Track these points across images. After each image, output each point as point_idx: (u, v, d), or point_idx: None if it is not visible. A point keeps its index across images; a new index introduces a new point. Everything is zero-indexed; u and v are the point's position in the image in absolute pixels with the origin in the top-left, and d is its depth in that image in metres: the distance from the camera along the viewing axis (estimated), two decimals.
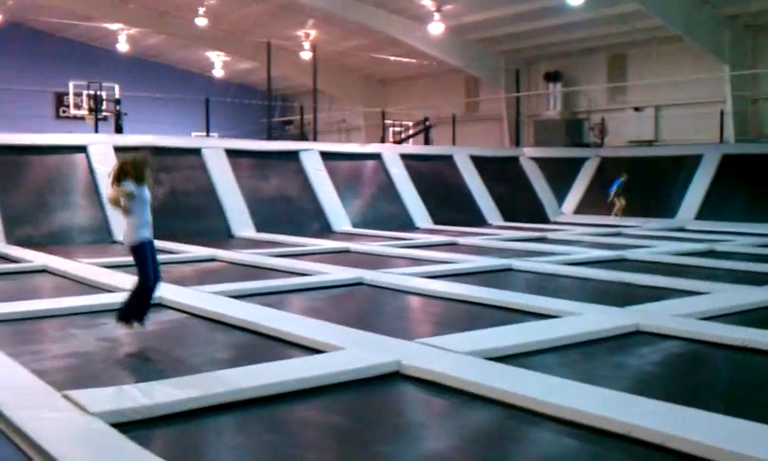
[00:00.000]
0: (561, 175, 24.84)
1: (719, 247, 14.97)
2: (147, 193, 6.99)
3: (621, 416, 4.64)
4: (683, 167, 22.37)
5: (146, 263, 6.90)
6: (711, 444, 4.18)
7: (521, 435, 4.78)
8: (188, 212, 17.78)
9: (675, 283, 10.07)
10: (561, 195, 24.65)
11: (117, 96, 23.46)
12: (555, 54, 28.56)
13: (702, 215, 20.97)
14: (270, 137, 23.97)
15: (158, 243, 14.98)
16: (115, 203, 6.94)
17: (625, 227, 19.88)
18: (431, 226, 20.71)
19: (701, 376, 6.34)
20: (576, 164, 25.14)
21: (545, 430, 4.77)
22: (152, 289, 7.06)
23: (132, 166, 6.98)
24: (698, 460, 4.16)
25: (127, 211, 6.95)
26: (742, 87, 23.50)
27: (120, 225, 16.63)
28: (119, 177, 6.91)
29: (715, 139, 23.50)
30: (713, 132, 23.70)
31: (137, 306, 7.01)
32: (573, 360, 6.53)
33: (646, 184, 20.94)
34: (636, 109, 26.46)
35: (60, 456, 4.04)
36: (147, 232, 6.98)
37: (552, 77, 28.52)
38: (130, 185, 6.90)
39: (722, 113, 23.38)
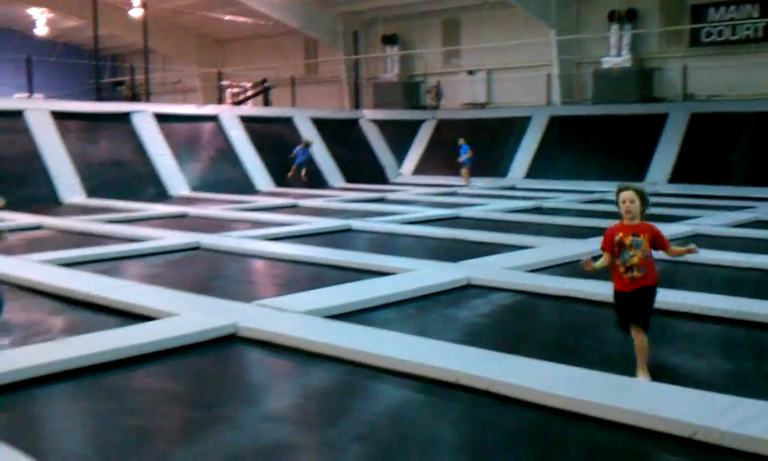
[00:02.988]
0: (399, 137, 25.30)
1: (546, 204, 15.78)
2: None
3: (451, 365, 4.85)
4: (513, 129, 23.35)
5: None
6: (533, 387, 4.45)
7: (360, 390, 4.88)
8: (10, 179, 16.70)
9: (505, 239, 10.55)
10: (400, 156, 25.13)
11: None
12: (392, 17, 28.88)
13: (531, 174, 22.02)
14: (99, 99, 22.90)
15: None
16: None
17: (459, 186, 20.55)
18: (272, 188, 20.56)
19: (527, 325, 6.69)
20: (414, 126, 25.68)
21: (383, 383, 4.90)
22: None
23: None
24: (521, 403, 4.42)
25: None
26: (568, 52, 24.74)
27: None
28: None
29: (543, 102, 24.66)
30: (541, 95, 24.85)
31: None
32: (409, 315, 6.72)
33: (480, 146, 21.70)
34: (470, 73, 27.27)
35: None
36: None
37: (389, 40, 28.85)
38: None
39: (549, 77, 24.53)
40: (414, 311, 6.84)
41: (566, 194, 18.06)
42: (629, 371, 4.81)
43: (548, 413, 4.30)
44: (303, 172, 20.68)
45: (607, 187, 19.04)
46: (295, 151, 20.86)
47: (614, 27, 23.59)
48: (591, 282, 6.91)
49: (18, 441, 3.83)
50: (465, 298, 7.27)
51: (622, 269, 4.80)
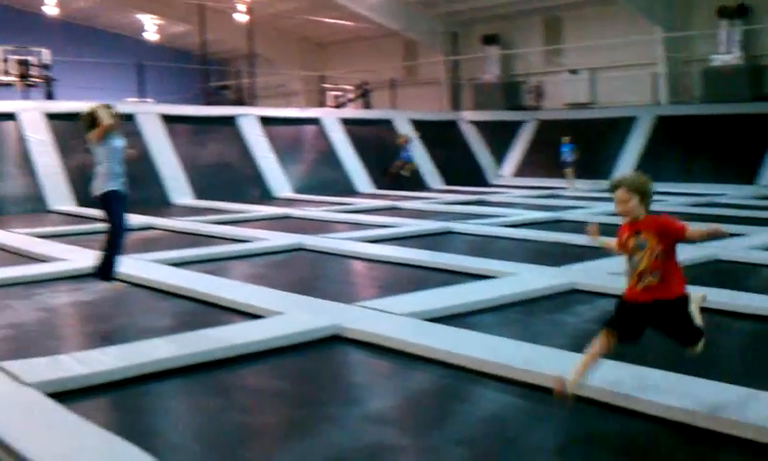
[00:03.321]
0: (499, 138, 25.07)
1: (653, 207, 15.27)
2: (117, 143, 6.64)
3: (557, 372, 4.74)
4: (617, 129, 22.78)
5: (114, 214, 6.54)
6: (642, 396, 4.32)
7: (462, 394, 4.86)
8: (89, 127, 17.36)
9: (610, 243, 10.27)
10: (500, 158, 24.90)
11: (46, 61, 22.75)
12: (492, 17, 28.64)
13: None
14: (207, 102, 23.59)
15: (91, 212, 14.80)
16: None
17: (562, 189, 20.19)
18: (372, 190, 20.72)
19: None
20: (514, 127, 25.39)
21: (485, 388, 4.86)
22: (120, 240, 6.69)
23: (90, 116, 6.70)
24: (629, 412, 4.29)
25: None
26: (675, 49, 23.97)
27: (54, 193, 16.29)
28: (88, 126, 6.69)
29: (649, 102, 23.97)
30: (647, 94, 24.16)
31: (113, 260, 6.60)
32: (511, 319, 6.65)
33: (582, 147, 21.25)
34: (572, 72, 26.77)
35: None
36: (114, 184, 6.61)
37: (489, 40, 28.61)
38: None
39: (655, 76, 23.83)
40: (516, 316, 6.76)
41: (674, 197, 17.47)
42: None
43: (658, 425, 4.17)
44: (409, 167, 20.95)
45: (717, 190, 18.37)
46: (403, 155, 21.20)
47: (724, 23, 22.70)
48: (705, 289, 6.66)
49: (131, 434, 3.97)
50: (569, 303, 7.14)
51: (634, 278, 4.10)
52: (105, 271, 6.36)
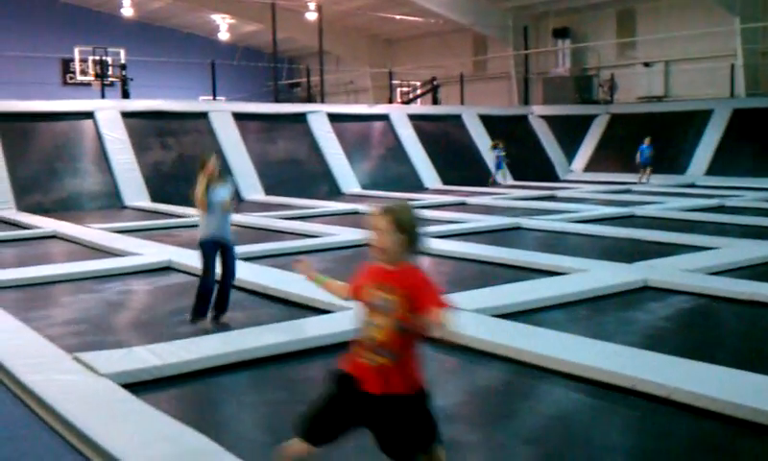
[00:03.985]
0: (570, 132, 24.69)
1: (729, 202, 14.89)
2: (219, 195, 6.53)
3: (627, 370, 4.66)
4: (693, 123, 22.18)
5: (205, 261, 6.60)
6: (717, 396, 4.19)
7: (530, 391, 4.80)
8: (195, 176, 17.75)
9: (684, 239, 10.04)
10: (570, 153, 24.52)
11: (123, 61, 23.39)
12: (563, 10, 28.22)
13: (712, 171, 20.83)
14: (277, 100, 23.88)
15: (165, 208, 15.15)
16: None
17: (634, 184, 19.78)
18: (440, 186, 20.67)
19: (709, 330, 6.34)
20: (586, 122, 24.96)
21: (553, 385, 4.80)
22: (208, 287, 6.55)
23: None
24: (704, 412, 4.18)
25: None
26: (753, 41, 23.21)
27: (128, 189, 16.72)
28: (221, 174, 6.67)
29: (726, 94, 23.27)
30: (724, 86, 23.46)
31: (197, 301, 6.64)
32: (581, 316, 6.54)
33: (656, 141, 20.76)
34: (646, 65, 26.19)
35: (72, 417, 4.08)
36: (212, 231, 6.61)
37: (560, 33, 28.21)
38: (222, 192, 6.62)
39: (732, 67, 23.13)
40: (586, 313, 6.64)
41: (752, 192, 16.95)
42: None
43: (732, 425, 4.05)
44: (502, 172, 20.91)
45: None
46: (495, 156, 21.16)
47: None
48: None
49: (200, 425, 4.04)
50: (641, 300, 6.99)
51: (364, 349, 2.93)
52: (193, 311, 6.50)
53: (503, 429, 4.22)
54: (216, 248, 6.60)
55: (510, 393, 4.84)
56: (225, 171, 6.84)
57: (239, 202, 17.46)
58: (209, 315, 6.53)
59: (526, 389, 4.84)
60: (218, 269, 6.62)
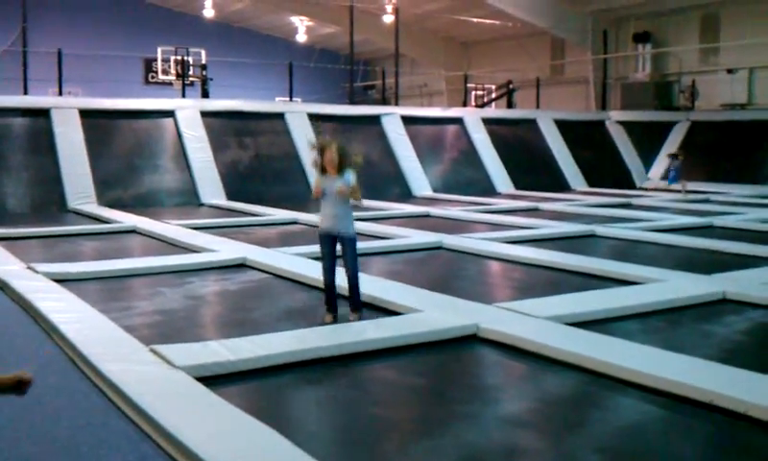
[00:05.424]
0: (649, 139, 24.14)
1: None
2: (336, 183, 6.21)
3: (704, 384, 4.54)
4: None
5: (321, 255, 6.46)
6: None
7: (601, 401, 4.73)
8: (272, 176, 18.06)
9: (765, 251, 9.72)
10: (648, 160, 23.98)
11: (203, 61, 23.91)
12: (645, 14, 27.64)
13: None
14: (352, 102, 24.05)
15: (240, 206, 15.42)
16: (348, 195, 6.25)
17: (714, 193, 19.25)
18: (513, 191, 20.48)
19: None
20: (665, 128, 24.37)
21: (626, 397, 4.71)
22: (325, 283, 6.44)
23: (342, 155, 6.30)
24: None
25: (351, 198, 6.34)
26: None
27: (206, 187, 17.03)
28: (341, 164, 6.25)
29: None
30: None
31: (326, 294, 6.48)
32: (656, 327, 6.40)
33: (738, 149, 20.15)
34: (729, 72, 25.43)
35: (148, 406, 4.20)
36: (325, 223, 6.45)
37: (641, 38, 27.62)
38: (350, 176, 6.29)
39: None
40: (662, 324, 6.49)
41: None
42: None
43: None
44: (682, 183, 20.12)
45: None
46: (671, 166, 20.52)
47: None
48: None
49: (270, 420, 4.10)
50: (720, 313, 6.79)
51: None
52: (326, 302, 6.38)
53: (573, 438, 4.16)
54: (330, 241, 6.39)
55: (580, 402, 4.77)
56: (348, 156, 6.34)
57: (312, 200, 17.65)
58: (338, 312, 6.32)
59: (597, 399, 4.76)
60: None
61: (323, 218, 6.41)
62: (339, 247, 6.48)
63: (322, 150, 6.35)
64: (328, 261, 6.40)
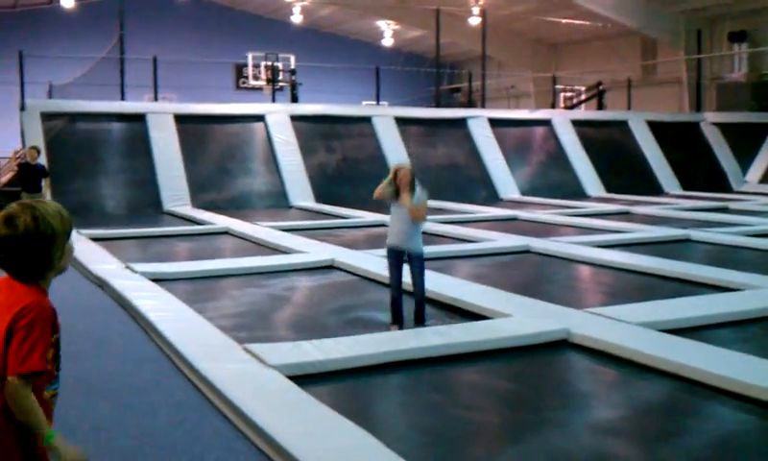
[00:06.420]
0: (746, 141, 23.32)
1: None
2: (400, 206, 6.38)
3: None
4: None
5: (389, 270, 6.62)
6: None
7: (695, 410, 4.61)
8: (359, 179, 18.20)
9: None
10: (745, 163, 23.17)
11: (293, 67, 24.31)
12: (741, 12, 26.71)
13: None
14: (438, 105, 24.04)
15: (328, 208, 15.62)
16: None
17: None
18: (603, 194, 20.10)
19: None
20: (763, 130, 23.50)
21: (721, 406, 4.58)
22: (392, 295, 6.51)
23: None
24: None
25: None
26: None
27: (295, 190, 17.31)
28: (413, 184, 6.42)
29: None
30: None
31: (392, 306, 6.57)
32: (754, 335, 6.20)
33: None
34: None
35: (242, 404, 4.31)
36: (392, 239, 6.60)
37: (737, 37, 26.71)
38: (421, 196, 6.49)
39: None
40: (760, 332, 6.28)
41: None
42: None
43: None
44: None
45: None
46: None
47: None
48: None
49: (359, 421, 4.14)
50: None
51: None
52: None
53: (665, 447, 4.07)
54: (397, 256, 6.51)
55: (674, 410, 4.66)
56: (417, 179, 6.54)
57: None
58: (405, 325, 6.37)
59: (691, 408, 4.64)
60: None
61: (391, 234, 6.51)
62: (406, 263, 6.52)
63: (395, 173, 6.47)
64: (395, 276, 6.49)
